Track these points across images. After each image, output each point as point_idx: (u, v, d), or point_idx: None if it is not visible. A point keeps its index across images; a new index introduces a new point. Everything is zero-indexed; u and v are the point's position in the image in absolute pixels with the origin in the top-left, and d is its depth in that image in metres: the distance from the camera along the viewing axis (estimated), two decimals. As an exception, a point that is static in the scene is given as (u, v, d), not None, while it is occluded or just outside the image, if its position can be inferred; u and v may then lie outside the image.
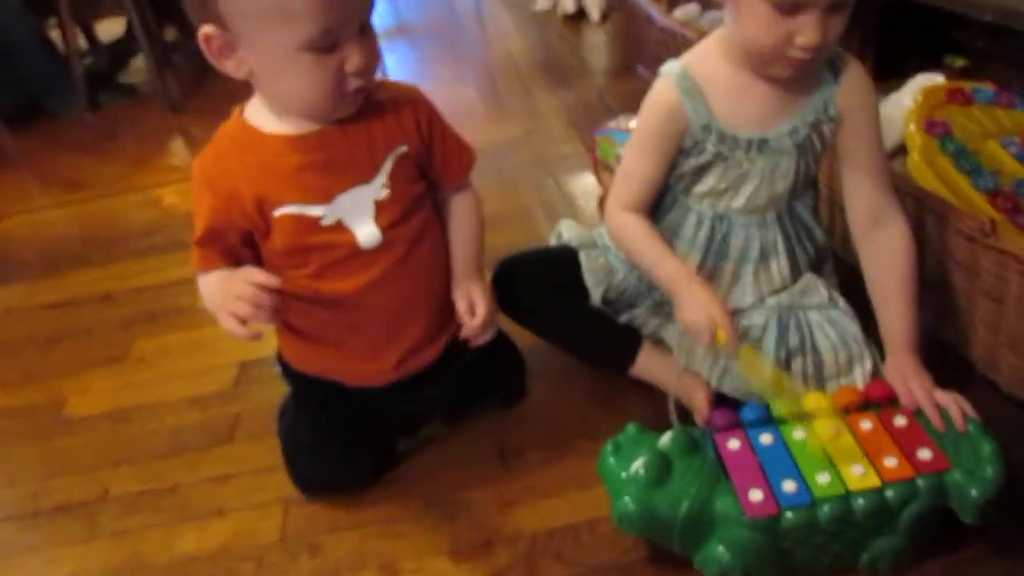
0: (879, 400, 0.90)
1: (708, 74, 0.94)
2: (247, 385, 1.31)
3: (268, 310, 0.80)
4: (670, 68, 0.96)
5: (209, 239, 0.88)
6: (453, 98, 2.43)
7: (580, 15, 2.91)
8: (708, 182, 0.98)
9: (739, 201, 0.98)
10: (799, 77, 0.90)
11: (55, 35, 2.91)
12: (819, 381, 0.98)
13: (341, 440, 1.05)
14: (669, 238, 1.04)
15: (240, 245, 0.89)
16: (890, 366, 0.95)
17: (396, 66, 2.83)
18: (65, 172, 2.41)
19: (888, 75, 1.37)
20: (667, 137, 0.96)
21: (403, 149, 0.89)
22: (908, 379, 0.90)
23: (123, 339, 1.51)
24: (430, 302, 0.97)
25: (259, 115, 0.86)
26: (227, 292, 0.81)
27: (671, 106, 0.95)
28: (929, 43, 1.51)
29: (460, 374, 1.07)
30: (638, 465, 0.83)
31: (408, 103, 0.91)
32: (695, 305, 0.92)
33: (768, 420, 0.90)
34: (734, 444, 0.86)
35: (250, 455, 1.16)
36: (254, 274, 0.80)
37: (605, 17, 2.84)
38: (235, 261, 0.89)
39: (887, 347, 0.97)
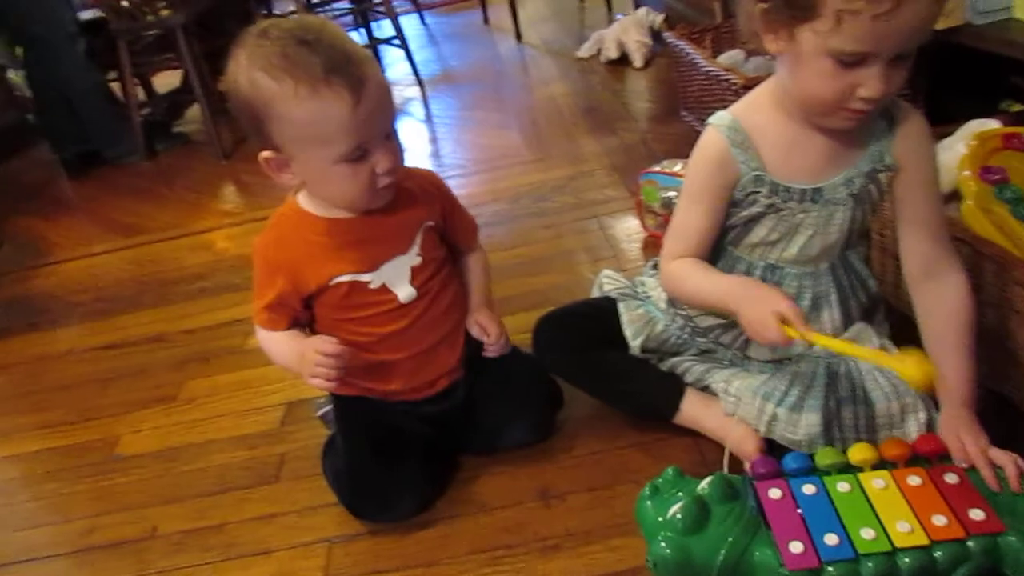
0: (928, 454, 0.87)
1: (759, 124, 0.93)
2: (293, 425, 1.33)
3: (342, 369, 0.99)
4: (719, 118, 0.95)
5: (276, 306, 1.04)
6: (497, 143, 2.46)
7: (623, 60, 2.94)
8: (759, 233, 0.97)
9: (791, 252, 0.97)
10: (856, 128, 0.88)
11: (115, 87, 3.03)
12: (870, 432, 0.95)
13: (387, 459, 1.08)
14: None
15: (301, 308, 1.06)
16: (944, 420, 0.91)
17: (441, 113, 2.89)
18: (122, 217, 2.51)
19: (942, 120, 1.35)
20: (718, 188, 0.95)
21: (429, 223, 1.07)
22: (962, 435, 0.87)
23: (175, 379, 1.55)
24: (454, 335, 1.12)
25: (312, 202, 1.03)
26: (305, 359, 0.99)
27: (721, 157, 0.94)
28: (984, 88, 1.49)
29: (486, 391, 1.13)
30: (675, 509, 0.81)
31: (430, 186, 1.10)
32: (756, 304, 0.88)
33: (811, 470, 0.88)
34: (775, 493, 0.84)
35: (295, 495, 1.18)
36: (325, 346, 0.98)
37: (648, 63, 2.87)
38: (296, 321, 1.07)
39: (941, 400, 0.93)
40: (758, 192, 0.94)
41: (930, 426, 0.94)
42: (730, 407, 1.03)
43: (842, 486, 0.85)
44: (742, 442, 1.01)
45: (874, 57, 0.78)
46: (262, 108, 0.90)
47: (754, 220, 0.96)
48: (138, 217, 2.48)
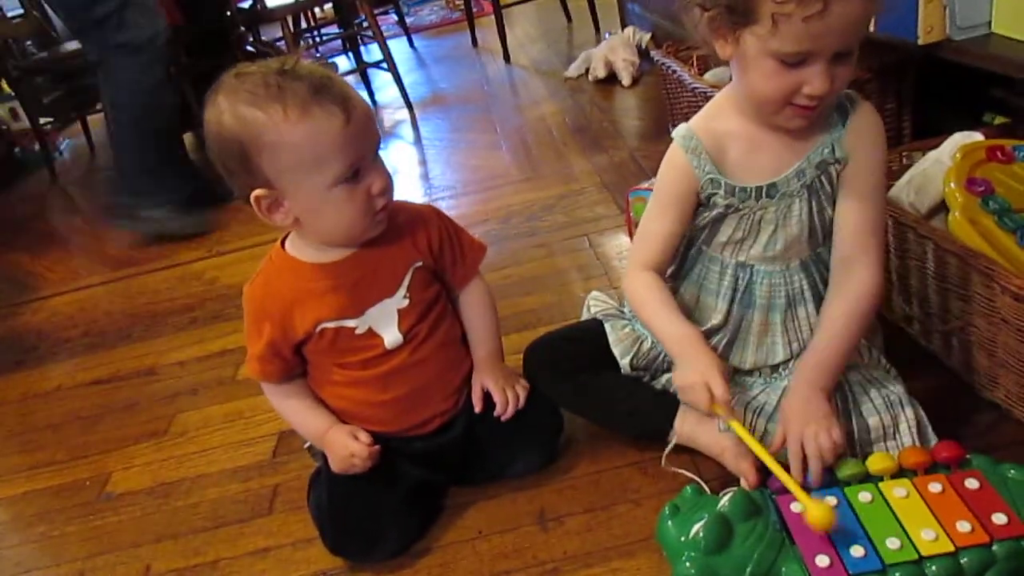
0: (948, 461, 0.87)
1: (719, 131, 0.96)
2: (285, 455, 1.32)
3: (370, 460, 1.03)
4: (677, 131, 0.99)
5: (269, 355, 1.03)
6: (487, 164, 2.47)
7: (611, 79, 2.95)
8: (725, 232, 0.99)
9: (758, 248, 0.98)
10: (809, 125, 0.91)
11: (93, 119, 3.01)
12: (864, 445, 0.95)
13: (373, 499, 1.06)
14: (697, 290, 1.04)
15: (293, 355, 1.04)
16: (786, 400, 0.95)
17: (431, 135, 2.90)
18: (111, 250, 2.49)
19: (928, 133, 1.36)
20: (680, 195, 0.98)
21: (418, 264, 1.04)
22: (790, 421, 0.91)
23: (166, 413, 1.53)
24: (447, 377, 1.10)
25: (298, 247, 1.01)
26: (334, 452, 1.04)
27: (678, 167, 0.98)
28: (968, 101, 1.50)
29: (490, 425, 1.10)
30: (698, 528, 0.81)
31: (421, 223, 1.06)
32: (693, 367, 0.92)
33: (832, 482, 0.87)
34: (797, 507, 0.83)
35: (289, 527, 1.16)
36: (362, 449, 1.02)
37: (636, 81, 2.88)
38: (291, 369, 1.06)
39: (794, 378, 0.96)
40: (715, 193, 0.96)
41: (922, 435, 0.95)
42: (722, 423, 1.02)
43: (864, 496, 0.84)
44: (737, 459, 1.00)
45: (814, 56, 0.82)
46: (251, 142, 0.88)
47: (719, 220, 0.99)
48: (127, 249, 2.46)
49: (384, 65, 3.19)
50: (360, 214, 0.94)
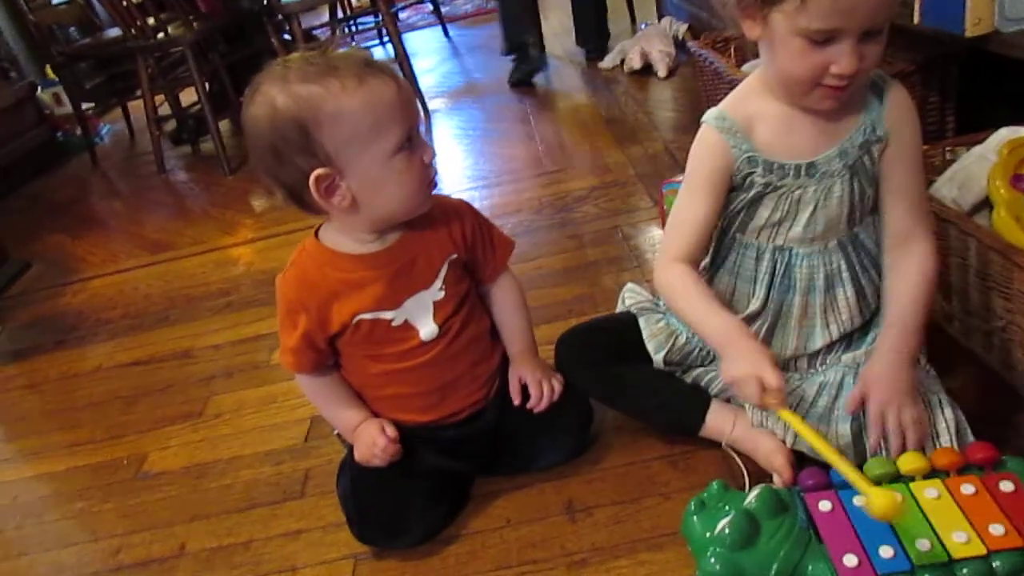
0: (981, 463, 0.85)
1: (751, 111, 0.95)
2: (318, 440, 1.33)
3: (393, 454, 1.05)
4: (708, 114, 0.98)
5: (304, 347, 1.03)
6: (521, 154, 2.46)
7: (647, 71, 2.93)
8: (763, 215, 0.98)
9: (797, 230, 0.97)
10: (838, 107, 0.90)
11: (133, 106, 3.07)
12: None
13: (397, 489, 1.07)
14: (733, 279, 1.03)
15: (327, 346, 1.04)
16: (867, 369, 0.94)
17: (465, 124, 2.90)
18: (150, 233, 2.54)
19: (971, 128, 1.33)
20: (714, 175, 0.97)
21: (454, 256, 1.05)
22: (873, 391, 0.90)
23: (201, 395, 1.56)
24: (478, 369, 1.11)
25: (334, 239, 1.01)
26: (361, 442, 1.05)
27: (713, 146, 0.96)
28: (1015, 96, 1.46)
29: (520, 416, 1.11)
30: (724, 524, 0.80)
31: (455, 216, 1.06)
32: (742, 359, 0.89)
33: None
34: (825, 505, 0.83)
35: (320, 511, 1.18)
36: (379, 439, 1.03)
37: (672, 72, 2.86)
38: (325, 360, 1.06)
39: (875, 351, 0.95)
40: (753, 172, 0.95)
41: (961, 436, 0.93)
42: (756, 418, 1.01)
43: None
44: (771, 455, 0.99)
45: (842, 33, 0.81)
46: (311, 117, 0.88)
47: (756, 202, 0.97)
48: (165, 233, 2.51)
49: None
50: (419, 183, 0.95)
